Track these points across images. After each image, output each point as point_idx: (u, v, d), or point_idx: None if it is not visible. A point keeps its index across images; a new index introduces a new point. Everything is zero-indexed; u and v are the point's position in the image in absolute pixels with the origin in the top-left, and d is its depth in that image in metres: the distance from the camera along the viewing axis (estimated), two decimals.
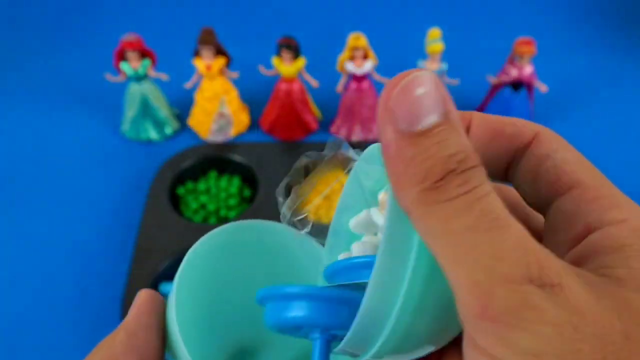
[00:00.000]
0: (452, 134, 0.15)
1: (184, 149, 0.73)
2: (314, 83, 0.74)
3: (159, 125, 0.78)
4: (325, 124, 0.79)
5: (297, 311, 0.21)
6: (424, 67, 0.72)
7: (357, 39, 0.69)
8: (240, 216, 0.66)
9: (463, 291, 0.14)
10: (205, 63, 0.72)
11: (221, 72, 0.73)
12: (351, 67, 0.71)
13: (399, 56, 0.78)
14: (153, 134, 0.78)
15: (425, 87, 0.16)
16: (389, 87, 0.16)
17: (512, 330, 0.14)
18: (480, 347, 0.14)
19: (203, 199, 0.69)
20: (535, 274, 0.14)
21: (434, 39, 0.70)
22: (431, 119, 0.15)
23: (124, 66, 0.73)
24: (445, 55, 0.72)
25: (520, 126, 0.20)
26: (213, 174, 0.72)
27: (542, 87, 0.73)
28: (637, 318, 0.14)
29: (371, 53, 0.71)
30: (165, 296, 0.65)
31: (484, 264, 0.14)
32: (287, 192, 0.63)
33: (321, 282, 0.24)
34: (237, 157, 0.72)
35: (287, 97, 0.74)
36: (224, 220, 0.68)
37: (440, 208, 0.15)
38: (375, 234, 0.24)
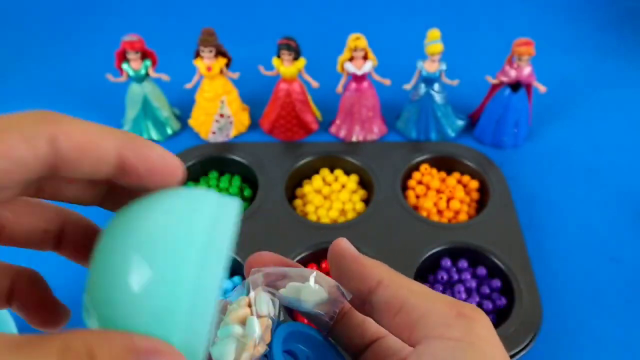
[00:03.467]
0: None
1: (184, 149, 0.74)
2: (314, 83, 0.74)
3: (160, 125, 0.78)
4: (325, 125, 0.79)
5: None
6: (424, 68, 0.72)
7: (357, 40, 0.70)
8: (241, 216, 0.67)
9: (441, 309, 0.23)
10: (206, 64, 0.72)
11: (222, 73, 0.74)
12: (351, 67, 0.71)
13: (398, 57, 0.79)
14: (154, 134, 0.78)
15: None
16: None
17: (474, 321, 0.22)
18: (452, 339, 0.22)
19: None
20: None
21: (434, 40, 0.70)
22: None
23: (125, 67, 0.73)
24: (445, 56, 0.72)
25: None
26: (214, 174, 0.72)
27: (541, 88, 0.73)
28: None
29: (371, 53, 0.71)
30: None
31: (445, 299, 0.23)
32: (287, 193, 0.64)
33: None
34: (237, 157, 0.73)
35: (287, 98, 0.74)
36: None
37: None
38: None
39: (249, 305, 0.24)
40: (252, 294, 0.24)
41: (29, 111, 0.19)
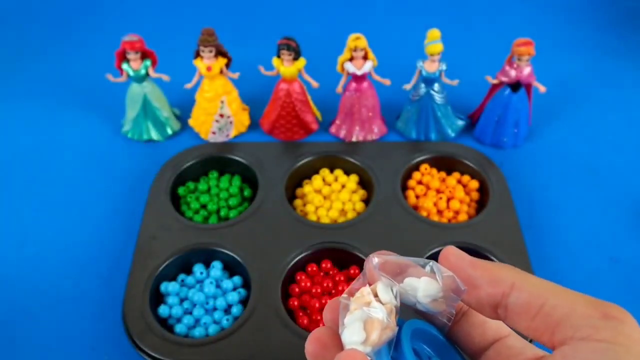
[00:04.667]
0: None
1: (184, 149, 0.74)
2: (314, 83, 0.74)
3: (160, 125, 0.78)
4: (325, 125, 0.79)
5: None
6: (424, 68, 0.72)
7: (357, 40, 0.70)
8: (241, 216, 0.67)
9: (584, 310, 0.22)
10: (206, 64, 0.72)
11: (222, 73, 0.74)
12: (351, 67, 0.71)
13: (398, 57, 0.79)
14: (154, 134, 0.78)
15: None
16: None
17: (623, 323, 0.21)
18: (603, 340, 0.21)
19: (204, 198, 0.69)
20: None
21: (434, 40, 0.70)
22: None
23: (125, 67, 0.73)
24: (445, 56, 0.72)
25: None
26: (214, 174, 0.72)
27: (541, 88, 0.73)
28: None
29: (371, 54, 0.71)
30: (165, 294, 0.65)
31: (587, 299, 0.23)
32: (287, 193, 0.64)
33: None
34: (237, 157, 0.73)
35: (287, 98, 0.74)
36: (224, 220, 0.68)
37: None
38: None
39: (371, 294, 0.24)
40: (374, 284, 0.24)
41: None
